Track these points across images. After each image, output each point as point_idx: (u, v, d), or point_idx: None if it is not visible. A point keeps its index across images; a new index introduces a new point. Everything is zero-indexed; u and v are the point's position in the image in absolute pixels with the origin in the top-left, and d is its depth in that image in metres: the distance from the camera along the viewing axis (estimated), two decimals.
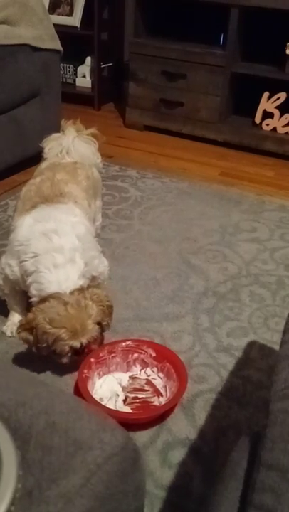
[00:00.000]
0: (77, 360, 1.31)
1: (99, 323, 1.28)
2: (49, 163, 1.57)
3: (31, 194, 1.44)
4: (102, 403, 1.25)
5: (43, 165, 1.60)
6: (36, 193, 1.44)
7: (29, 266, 1.29)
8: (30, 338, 1.26)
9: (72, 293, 1.25)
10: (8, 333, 1.48)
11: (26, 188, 1.49)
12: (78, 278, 1.29)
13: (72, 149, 1.59)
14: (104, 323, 1.31)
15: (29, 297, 1.35)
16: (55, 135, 1.63)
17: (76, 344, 1.25)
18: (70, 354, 1.28)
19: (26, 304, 1.45)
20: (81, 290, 1.27)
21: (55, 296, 1.24)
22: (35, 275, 1.28)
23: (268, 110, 2.84)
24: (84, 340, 1.26)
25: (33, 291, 1.29)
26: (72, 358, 1.30)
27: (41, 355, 1.30)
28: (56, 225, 1.33)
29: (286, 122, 2.81)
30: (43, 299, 1.26)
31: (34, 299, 1.29)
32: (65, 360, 1.30)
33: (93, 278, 1.39)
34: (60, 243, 1.30)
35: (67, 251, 1.29)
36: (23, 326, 1.26)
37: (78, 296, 1.25)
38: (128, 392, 1.32)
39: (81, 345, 1.26)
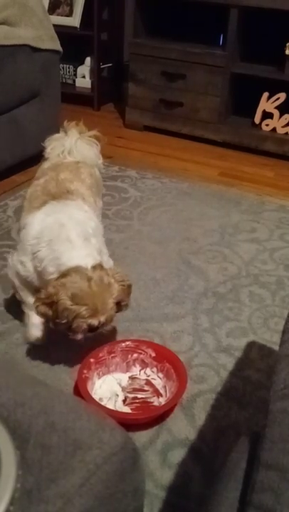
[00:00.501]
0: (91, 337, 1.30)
1: (118, 303, 1.27)
2: (51, 164, 1.57)
3: (38, 193, 1.44)
4: (102, 403, 1.25)
5: (45, 165, 1.60)
6: (43, 192, 1.43)
7: (43, 252, 1.27)
8: (50, 312, 1.23)
9: (94, 268, 1.23)
10: (33, 339, 1.42)
11: (32, 189, 1.49)
12: (97, 254, 1.28)
13: (75, 150, 1.59)
14: (123, 303, 1.30)
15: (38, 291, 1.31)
16: (58, 135, 1.63)
17: (94, 322, 1.23)
18: (85, 331, 1.26)
19: None
20: (102, 267, 1.25)
21: (77, 270, 1.21)
22: (52, 255, 1.25)
23: (267, 110, 2.85)
24: (102, 319, 1.23)
25: (50, 269, 1.26)
26: (87, 335, 1.28)
27: (56, 330, 1.28)
28: (70, 216, 1.32)
29: (286, 122, 2.81)
30: (64, 274, 1.22)
31: (52, 276, 1.25)
32: (79, 336, 1.27)
33: None
34: (74, 227, 1.29)
35: (82, 233, 1.29)
36: (42, 300, 1.23)
37: (101, 272, 1.23)
38: (128, 392, 1.32)
39: (98, 322, 1.24)
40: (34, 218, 1.36)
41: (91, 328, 1.25)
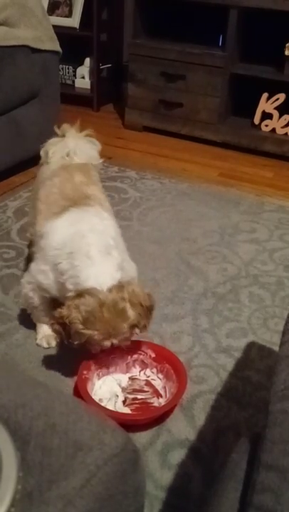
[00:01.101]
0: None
1: (135, 326, 1.25)
2: (59, 165, 1.54)
3: (56, 197, 1.41)
4: (102, 404, 1.25)
5: (53, 166, 1.55)
6: (61, 196, 1.41)
7: (64, 265, 1.26)
8: (63, 332, 1.23)
9: (110, 290, 1.20)
10: (45, 345, 1.46)
11: (46, 191, 1.45)
12: (116, 270, 1.24)
13: (79, 151, 1.57)
14: (140, 325, 1.26)
15: (55, 306, 1.31)
16: (55, 139, 1.61)
17: (107, 344, 1.23)
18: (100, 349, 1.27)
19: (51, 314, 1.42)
20: (120, 287, 1.22)
21: (91, 293, 1.19)
22: (72, 271, 1.24)
23: (267, 111, 2.85)
24: (115, 341, 1.23)
25: (69, 285, 1.24)
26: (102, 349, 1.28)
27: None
28: (90, 226, 1.30)
29: (285, 123, 2.82)
30: (79, 295, 1.21)
31: (70, 294, 1.24)
32: (94, 349, 1.27)
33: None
34: (94, 239, 1.27)
35: (103, 246, 1.26)
36: (57, 320, 1.23)
37: (116, 295, 1.20)
38: (127, 393, 1.32)
39: (112, 344, 1.23)
40: (56, 227, 1.33)
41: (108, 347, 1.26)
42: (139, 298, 1.23)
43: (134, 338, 1.33)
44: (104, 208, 1.43)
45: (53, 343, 1.46)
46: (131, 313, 1.21)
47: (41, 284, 1.34)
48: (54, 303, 1.37)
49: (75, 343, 1.24)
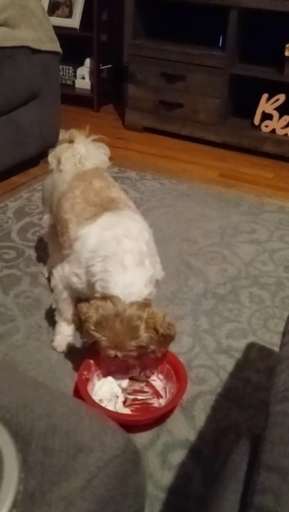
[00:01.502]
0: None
1: (143, 347, 1.23)
2: (73, 175, 1.52)
3: (82, 205, 1.41)
4: (102, 405, 1.26)
5: (67, 177, 1.52)
6: (87, 204, 1.40)
7: (97, 267, 1.26)
8: (78, 326, 1.26)
9: (131, 305, 1.20)
10: (59, 349, 1.46)
11: (69, 202, 1.43)
12: (145, 285, 1.24)
13: (90, 157, 1.56)
14: (149, 350, 1.25)
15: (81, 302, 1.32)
16: (64, 145, 1.58)
17: (111, 353, 1.23)
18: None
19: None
20: (142, 306, 1.21)
21: (114, 301, 1.20)
22: (103, 274, 1.24)
23: (267, 112, 2.85)
24: (119, 354, 1.23)
25: (97, 287, 1.25)
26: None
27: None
28: (126, 230, 1.30)
29: (285, 124, 2.82)
30: (104, 297, 1.22)
31: (97, 295, 1.25)
32: (102, 352, 1.28)
33: (156, 282, 1.35)
34: (130, 246, 1.26)
35: (137, 254, 1.26)
36: (78, 313, 1.25)
37: (135, 312, 1.19)
38: (128, 393, 1.32)
39: (115, 356, 1.24)
40: (90, 230, 1.33)
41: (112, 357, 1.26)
42: (156, 322, 1.21)
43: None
44: (132, 209, 1.45)
45: (65, 349, 1.47)
46: (142, 333, 1.20)
47: (74, 285, 1.36)
48: (81, 299, 1.38)
49: (84, 340, 1.27)
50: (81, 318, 1.23)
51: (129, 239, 1.28)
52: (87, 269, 1.29)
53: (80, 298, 1.40)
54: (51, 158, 1.60)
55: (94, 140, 1.60)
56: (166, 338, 1.25)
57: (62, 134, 1.61)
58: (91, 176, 1.50)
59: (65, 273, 1.37)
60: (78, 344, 1.46)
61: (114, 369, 1.36)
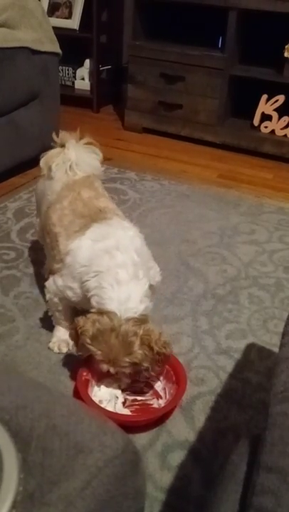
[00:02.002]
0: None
1: (137, 364, 1.21)
2: (63, 184, 1.50)
3: (70, 218, 1.39)
4: (102, 405, 1.26)
5: (57, 187, 1.51)
6: (75, 215, 1.39)
7: (92, 283, 1.25)
8: (75, 339, 1.26)
9: (127, 321, 1.19)
10: (56, 350, 1.46)
11: (57, 214, 1.42)
12: (140, 300, 1.23)
13: (81, 162, 1.54)
14: (143, 367, 1.23)
15: (78, 313, 1.32)
16: (56, 150, 1.55)
17: (104, 368, 1.23)
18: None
19: (73, 319, 1.40)
20: (138, 322, 1.20)
21: (110, 316, 1.19)
22: (98, 290, 1.23)
23: (266, 112, 2.85)
24: (112, 370, 1.22)
25: (93, 302, 1.24)
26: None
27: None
28: (117, 242, 1.28)
29: (284, 124, 2.82)
30: (100, 312, 1.22)
31: (93, 310, 1.24)
32: (96, 366, 1.27)
33: (151, 287, 1.34)
34: (122, 259, 1.25)
35: (131, 267, 1.24)
36: (74, 326, 1.25)
37: (131, 328, 1.19)
38: (127, 394, 1.32)
39: (108, 371, 1.23)
40: (80, 244, 1.32)
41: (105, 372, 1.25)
42: (151, 340, 1.20)
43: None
44: (120, 216, 1.43)
45: (64, 350, 1.46)
46: (137, 350, 1.19)
47: (70, 298, 1.35)
48: (77, 309, 1.39)
49: (79, 353, 1.27)
50: (78, 332, 1.22)
51: (121, 251, 1.26)
52: (82, 284, 1.28)
53: (75, 307, 1.41)
54: (42, 163, 1.57)
55: (86, 144, 1.57)
56: (162, 357, 1.23)
57: (55, 138, 1.57)
58: (80, 186, 1.48)
59: (59, 286, 1.35)
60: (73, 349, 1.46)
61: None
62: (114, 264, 1.24)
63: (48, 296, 1.42)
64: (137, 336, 1.19)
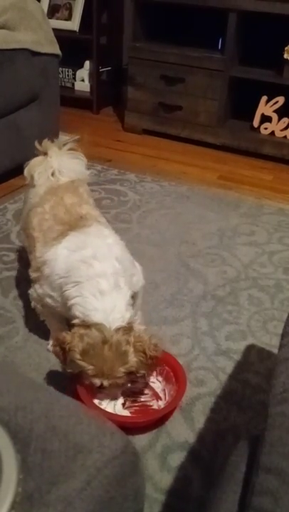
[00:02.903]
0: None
1: (132, 373, 1.20)
2: (47, 188, 1.49)
3: (50, 223, 1.37)
4: (101, 407, 1.26)
5: (40, 190, 1.49)
6: (55, 221, 1.37)
7: (72, 292, 1.23)
8: (61, 357, 1.22)
9: (117, 330, 1.17)
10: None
11: (38, 218, 1.41)
12: (126, 309, 1.21)
13: (64, 169, 1.52)
14: (139, 374, 1.22)
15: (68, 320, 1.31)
16: (38, 159, 1.54)
17: (97, 382, 1.20)
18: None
19: (63, 323, 1.41)
20: (127, 330, 1.19)
21: (98, 328, 1.17)
22: (80, 299, 1.21)
23: (266, 114, 2.85)
24: (106, 383, 1.19)
25: (76, 312, 1.21)
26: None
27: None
28: (94, 251, 1.26)
29: (284, 126, 2.82)
30: (86, 326, 1.19)
31: (76, 321, 1.22)
32: (86, 382, 1.24)
33: (134, 294, 1.33)
34: (102, 268, 1.23)
35: (111, 276, 1.22)
36: (59, 342, 1.21)
37: (122, 337, 1.17)
38: (127, 395, 1.32)
39: (101, 385, 1.20)
40: (57, 253, 1.29)
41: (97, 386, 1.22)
42: (144, 345, 1.19)
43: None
44: (102, 224, 1.41)
45: None
46: (132, 358, 1.18)
47: (50, 305, 1.34)
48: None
49: (69, 371, 1.23)
50: (64, 349, 1.19)
51: (99, 260, 1.24)
52: (62, 293, 1.26)
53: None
54: (26, 172, 1.56)
55: (69, 150, 1.56)
56: (154, 361, 1.22)
57: (38, 146, 1.55)
58: (64, 191, 1.46)
59: (40, 294, 1.34)
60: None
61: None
62: (94, 273, 1.22)
63: (32, 303, 1.40)
64: (130, 344, 1.17)
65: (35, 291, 1.36)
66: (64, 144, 1.56)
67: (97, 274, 1.22)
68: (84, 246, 1.28)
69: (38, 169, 1.51)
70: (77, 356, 1.17)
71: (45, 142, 1.56)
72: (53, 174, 1.50)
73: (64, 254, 1.28)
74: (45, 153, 1.54)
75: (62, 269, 1.26)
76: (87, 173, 1.63)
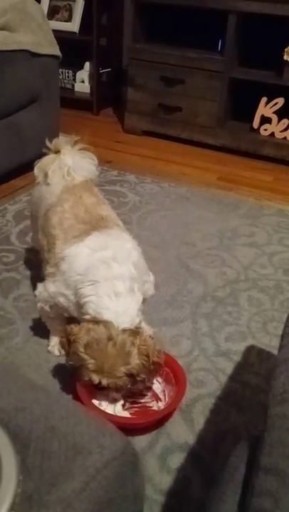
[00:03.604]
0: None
1: (132, 375, 1.19)
2: (62, 187, 1.49)
3: (71, 222, 1.37)
4: (101, 408, 1.25)
5: (56, 189, 1.49)
6: (77, 220, 1.37)
7: (87, 291, 1.23)
8: (66, 348, 1.22)
9: (124, 331, 1.17)
10: (57, 353, 1.45)
11: (58, 216, 1.40)
12: (136, 314, 1.22)
13: (78, 168, 1.52)
14: (139, 378, 1.20)
15: (70, 320, 1.31)
16: (50, 156, 1.54)
17: (95, 379, 1.19)
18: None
19: (65, 325, 1.39)
20: (134, 333, 1.19)
21: (106, 325, 1.17)
22: (94, 297, 1.21)
23: (265, 115, 2.86)
24: (104, 382, 1.19)
25: (88, 309, 1.22)
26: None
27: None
28: (114, 253, 1.27)
29: (284, 127, 2.83)
30: (95, 321, 1.20)
31: (86, 316, 1.23)
32: (86, 378, 1.23)
33: (144, 300, 1.33)
34: (120, 271, 1.23)
35: (127, 280, 1.23)
36: (66, 333, 1.22)
37: (128, 337, 1.17)
38: (127, 396, 1.32)
39: (100, 382, 1.19)
40: (78, 251, 1.30)
41: (95, 384, 1.21)
42: (148, 349, 1.19)
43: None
44: (120, 227, 1.42)
45: (61, 353, 1.45)
46: (134, 360, 1.17)
47: (61, 305, 1.33)
48: (70, 316, 1.37)
49: (70, 363, 1.23)
50: (70, 339, 1.20)
51: (119, 263, 1.25)
52: (76, 291, 1.26)
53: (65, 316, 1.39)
54: (37, 170, 1.55)
55: (81, 149, 1.56)
56: (156, 366, 1.22)
57: (48, 144, 1.55)
58: (81, 190, 1.46)
59: (51, 293, 1.33)
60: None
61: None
62: (112, 275, 1.23)
63: (38, 304, 1.40)
64: (134, 345, 1.18)
65: (47, 289, 1.35)
66: (76, 143, 1.56)
67: (115, 276, 1.23)
68: (105, 246, 1.29)
69: (51, 167, 1.51)
70: (81, 348, 1.17)
71: (57, 140, 1.56)
72: (67, 172, 1.50)
73: (86, 253, 1.29)
74: (57, 152, 1.53)
75: (81, 267, 1.27)
76: (97, 172, 1.63)
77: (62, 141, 1.56)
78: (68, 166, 1.50)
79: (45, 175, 1.52)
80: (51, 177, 1.50)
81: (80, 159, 1.54)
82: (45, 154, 1.56)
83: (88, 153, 1.58)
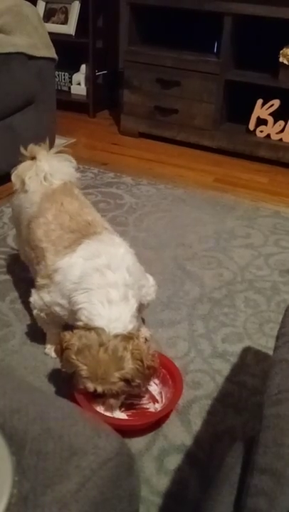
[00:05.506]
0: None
1: (127, 381, 1.18)
2: (41, 194, 1.47)
3: (58, 232, 1.36)
4: (98, 410, 1.25)
5: (35, 197, 1.47)
6: (63, 230, 1.36)
7: (81, 298, 1.23)
8: (59, 354, 1.23)
9: (116, 336, 1.17)
10: (53, 355, 1.42)
11: (43, 229, 1.38)
12: (130, 321, 1.21)
13: (55, 172, 1.50)
14: (134, 383, 1.19)
15: (67, 324, 1.31)
16: (26, 163, 1.52)
17: (90, 387, 1.18)
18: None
19: (62, 328, 1.40)
20: (127, 338, 1.18)
21: (98, 332, 1.17)
22: (88, 305, 1.21)
23: (261, 117, 2.86)
24: (99, 388, 1.18)
25: (81, 316, 1.22)
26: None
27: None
28: (108, 260, 1.26)
29: (280, 129, 2.83)
30: (87, 328, 1.19)
31: (79, 323, 1.22)
32: (81, 386, 1.23)
33: (141, 306, 1.33)
34: (114, 278, 1.23)
35: (121, 287, 1.23)
36: (60, 341, 1.22)
37: (120, 343, 1.16)
38: (124, 398, 1.32)
39: (94, 390, 1.19)
40: (71, 262, 1.28)
41: (91, 391, 1.20)
42: (142, 354, 1.18)
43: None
44: (108, 230, 1.41)
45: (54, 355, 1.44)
46: (128, 364, 1.16)
47: (57, 314, 1.33)
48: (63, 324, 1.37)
49: (64, 369, 1.22)
50: (62, 346, 1.20)
51: (112, 270, 1.25)
52: (70, 299, 1.26)
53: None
54: (14, 178, 1.53)
55: (57, 152, 1.54)
56: (151, 371, 1.22)
57: (23, 151, 1.53)
58: (61, 196, 1.44)
59: (46, 303, 1.33)
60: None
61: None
62: (106, 283, 1.22)
63: (34, 312, 1.39)
64: (127, 350, 1.17)
65: (42, 299, 1.34)
66: (51, 147, 1.55)
67: (108, 284, 1.22)
68: (98, 254, 1.28)
69: (28, 174, 1.49)
70: (72, 355, 1.17)
71: (32, 146, 1.54)
72: (45, 178, 1.48)
73: (79, 263, 1.28)
74: (33, 158, 1.52)
75: (76, 276, 1.26)
76: (77, 174, 1.61)
77: (36, 147, 1.54)
78: (45, 171, 1.48)
79: (23, 182, 1.50)
80: (29, 184, 1.48)
81: (57, 163, 1.52)
82: (20, 162, 1.54)
83: (65, 155, 1.56)
